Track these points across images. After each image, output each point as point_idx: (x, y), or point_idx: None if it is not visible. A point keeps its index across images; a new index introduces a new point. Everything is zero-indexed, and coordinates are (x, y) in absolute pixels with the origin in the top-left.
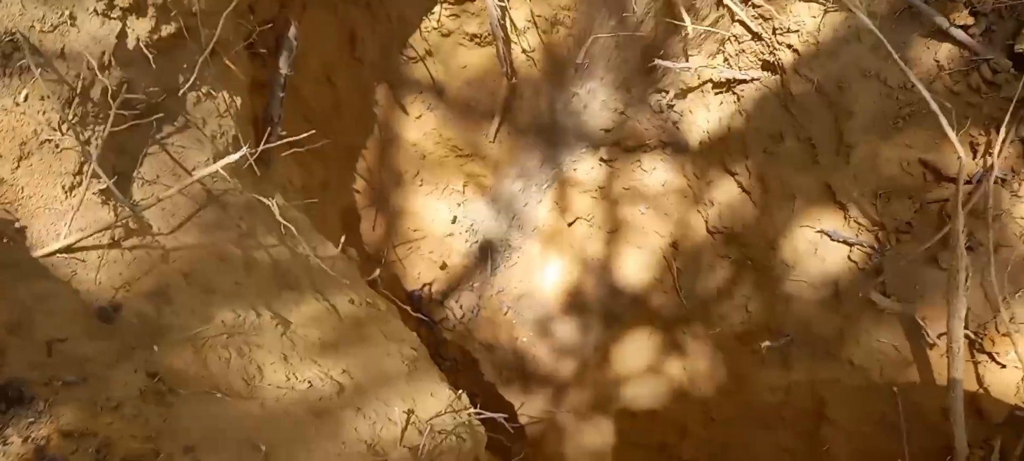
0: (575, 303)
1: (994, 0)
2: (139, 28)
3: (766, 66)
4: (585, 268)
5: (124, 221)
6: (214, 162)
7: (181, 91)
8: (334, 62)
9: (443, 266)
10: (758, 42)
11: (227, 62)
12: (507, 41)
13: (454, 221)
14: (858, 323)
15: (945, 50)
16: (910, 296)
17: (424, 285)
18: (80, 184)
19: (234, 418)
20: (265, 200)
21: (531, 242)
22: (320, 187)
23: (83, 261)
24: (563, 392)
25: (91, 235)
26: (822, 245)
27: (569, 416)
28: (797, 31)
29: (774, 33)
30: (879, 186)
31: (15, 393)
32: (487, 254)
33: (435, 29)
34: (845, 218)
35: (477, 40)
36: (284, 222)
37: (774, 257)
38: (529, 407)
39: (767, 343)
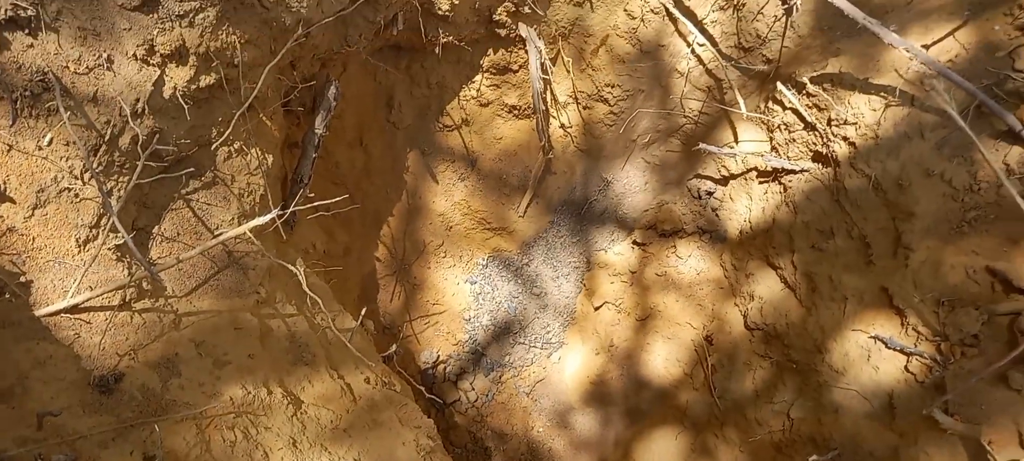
0: (597, 393)
1: None
2: (178, 77)
3: (818, 158)
4: (609, 356)
5: (137, 281)
6: (239, 221)
7: (214, 145)
8: (369, 125)
9: (459, 344)
10: (811, 132)
11: (264, 118)
12: (547, 115)
13: (475, 297)
14: (915, 442)
15: (1016, 153)
16: (975, 417)
17: (438, 363)
18: (96, 238)
19: None
20: (292, 268)
21: (554, 325)
22: (342, 253)
23: (89, 323)
24: None
25: (101, 294)
26: (876, 352)
27: None
28: (855, 124)
29: (829, 124)
30: (942, 293)
31: None
32: (507, 335)
33: (474, 98)
34: (903, 325)
35: (515, 112)
36: (311, 294)
37: (821, 361)
38: None
39: (813, 457)
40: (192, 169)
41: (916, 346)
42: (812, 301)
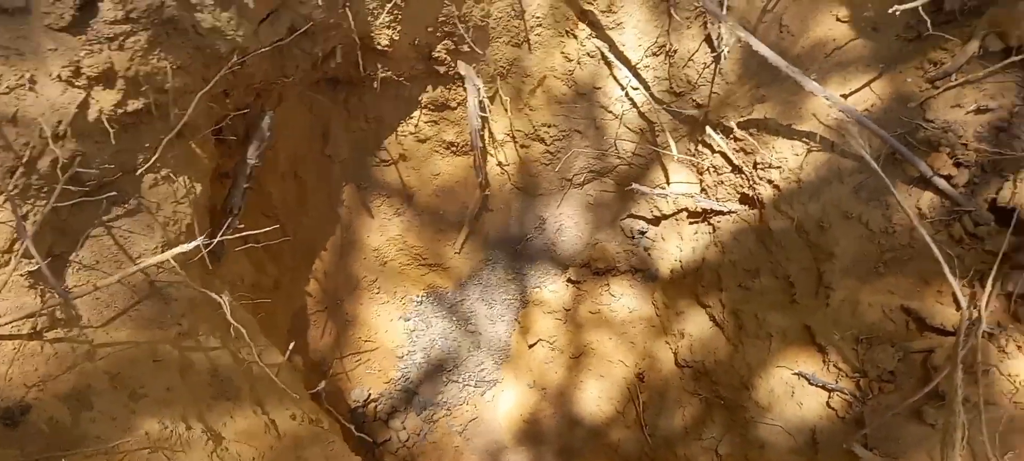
0: (530, 432)
1: (977, 153)
2: (104, 100)
3: (744, 199)
4: (543, 395)
5: (51, 309)
6: (163, 251)
7: (139, 171)
8: (303, 157)
9: (391, 382)
10: (738, 175)
11: (193, 146)
12: (484, 152)
13: (408, 335)
14: None
15: (927, 199)
16: (892, 451)
17: (368, 401)
18: (7, 264)
19: None
20: (216, 297)
21: (488, 363)
22: (272, 287)
23: None
24: None
25: (10, 323)
26: (800, 389)
27: None
28: (779, 168)
29: (755, 167)
30: (860, 331)
31: None
32: (440, 373)
33: (412, 134)
34: (824, 362)
35: (453, 149)
36: (235, 324)
37: (747, 397)
38: None
39: None
40: (115, 193)
41: (837, 382)
42: (739, 338)
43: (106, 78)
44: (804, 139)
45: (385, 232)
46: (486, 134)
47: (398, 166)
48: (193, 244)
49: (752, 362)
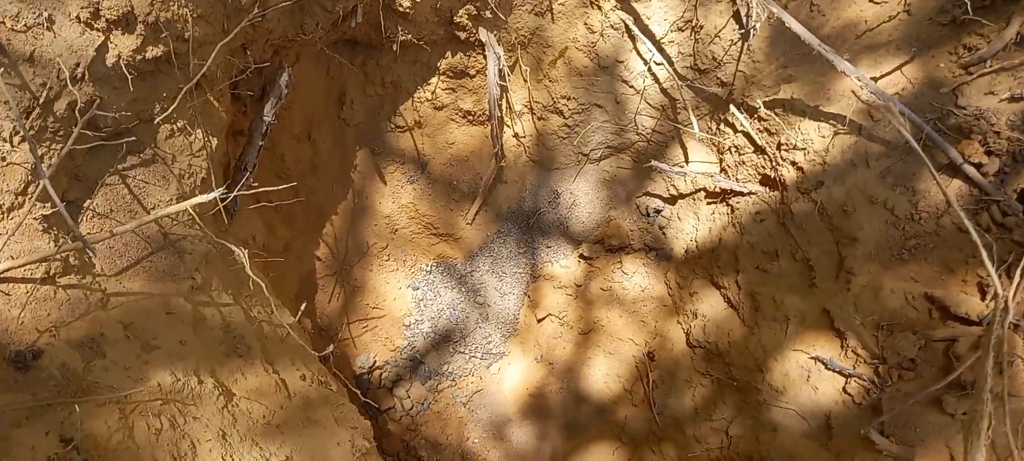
0: (535, 406)
1: (1009, 142)
2: (123, 45)
3: (766, 181)
4: (550, 369)
5: (65, 255)
6: (177, 203)
7: (156, 120)
8: (319, 119)
9: (397, 350)
10: (760, 155)
11: (211, 98)
12: (501, 122)
13: (416, 304)
14: None
15: (955, 186)
16: (909, 439)
17: (373, 368)
18: (21, 205)
19: None
20: (236, 249)
21: (495, 335)
22: (282, 248)
23: (8, 295)
24: None
25: (23, 265)
26: (816, 373)
27: None
28: (804, 149)
29: (779, 148)
30: (881, 318)
31: None
32: (447, 343)
33: (429, 101)
34: (842, 347)
35: (470, 118)
36: (254, 276)
37: (761, 380)
38: None
39: None
40: (134, 138)
41: (855, 368)
42: (755, 321)
43: (125, 22)
44: (831, 121)
45: (397, 199)
46: (504, 104)
47: (413, 133)
48: (211, 195)
49: (767, 345)
